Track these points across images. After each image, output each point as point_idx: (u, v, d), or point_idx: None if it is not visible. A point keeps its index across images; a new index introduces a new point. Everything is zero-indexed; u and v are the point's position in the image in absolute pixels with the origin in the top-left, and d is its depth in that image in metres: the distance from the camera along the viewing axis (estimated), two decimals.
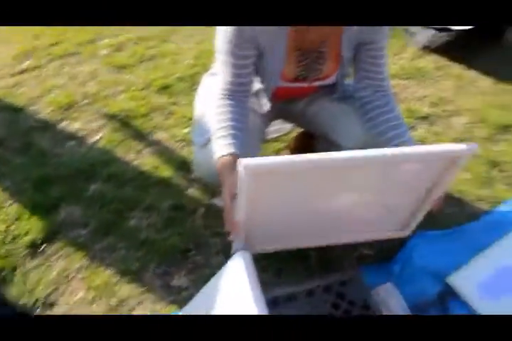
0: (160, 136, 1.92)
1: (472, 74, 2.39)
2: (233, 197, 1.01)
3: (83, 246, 1.44)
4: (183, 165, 1.74)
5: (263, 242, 1.16)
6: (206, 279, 1.11)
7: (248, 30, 1.09)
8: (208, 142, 1.19)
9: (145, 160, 1.79)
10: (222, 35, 1.13)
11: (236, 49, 1.12)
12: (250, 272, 0.97)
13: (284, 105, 1.43)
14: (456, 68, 2.43)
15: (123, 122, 1.98)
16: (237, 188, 0.97)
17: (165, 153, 1.83)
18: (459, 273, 1.38)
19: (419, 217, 1.25)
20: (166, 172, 1.73)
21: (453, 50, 2.49)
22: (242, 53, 1.13)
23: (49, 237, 1.46)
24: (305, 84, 1.27)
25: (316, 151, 1.52)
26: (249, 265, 0.98)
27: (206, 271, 1.38)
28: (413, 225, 1.29)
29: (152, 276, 1.36)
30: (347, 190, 1.11)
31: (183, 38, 2.65)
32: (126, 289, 1.32)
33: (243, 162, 0.91)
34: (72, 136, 1.91)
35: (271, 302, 1.03)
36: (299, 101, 1.43)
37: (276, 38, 1.13)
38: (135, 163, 1.78)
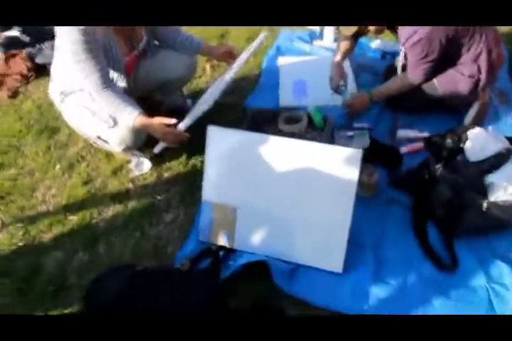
0: None
1: None
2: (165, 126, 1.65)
3: None
4: None
5: None
6: None
7: (92, 33, 1.56)
8: (113, 124, 1.73)
9: None
10: (75, 50, 1.56)
11: (90, 53, 1.59)
12: None
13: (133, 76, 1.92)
14: None
15: None
16: None
17: None
18: (280, 98, 2.23)
19: None
20: None
21: None
22: (95, 53, 1.60)
23: None
24: (136, 52, 1.85)
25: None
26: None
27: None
28: None
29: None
30: None
31: None
32: None
33: None
34: None
35: None
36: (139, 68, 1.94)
37: (107, 33, 1.64)
38: None
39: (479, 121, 1.91)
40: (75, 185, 2.00)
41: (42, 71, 2.76)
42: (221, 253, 1.57)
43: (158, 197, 1.88)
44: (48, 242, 1.78)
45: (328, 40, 2.58)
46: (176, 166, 1.99)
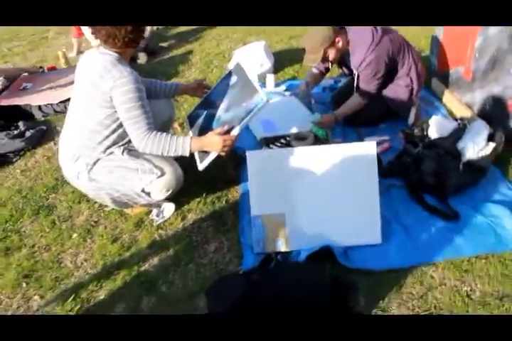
0: None
1: None
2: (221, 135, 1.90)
3: None
4: None
5: None
6: None
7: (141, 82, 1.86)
8: (160, 173, 1.98)
9: None
10: (132, 97, 1.81)
11: (143, 101, 1.86)
12: None
13: None
14: None
15: None
16: None
17: None
18: (256, 135, 2.65)
19: None
20: None
21: None
22: (145, 102, 1.88)
23: None
24: None
25: None
26: None
27: None
28: None
29: None
30: None
31: None
32: None
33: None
34: None
35: None
36: None
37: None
38: None
39: (418, 120, 2.53)
40: (104, 245, 2.12)
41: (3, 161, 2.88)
42: (279, 257, 1.87)
43: (194, 234, 2.11)
44: (106, 298, 1.87)
45: (270, 86, 3.17)
46: (195, 206, 2.26)
